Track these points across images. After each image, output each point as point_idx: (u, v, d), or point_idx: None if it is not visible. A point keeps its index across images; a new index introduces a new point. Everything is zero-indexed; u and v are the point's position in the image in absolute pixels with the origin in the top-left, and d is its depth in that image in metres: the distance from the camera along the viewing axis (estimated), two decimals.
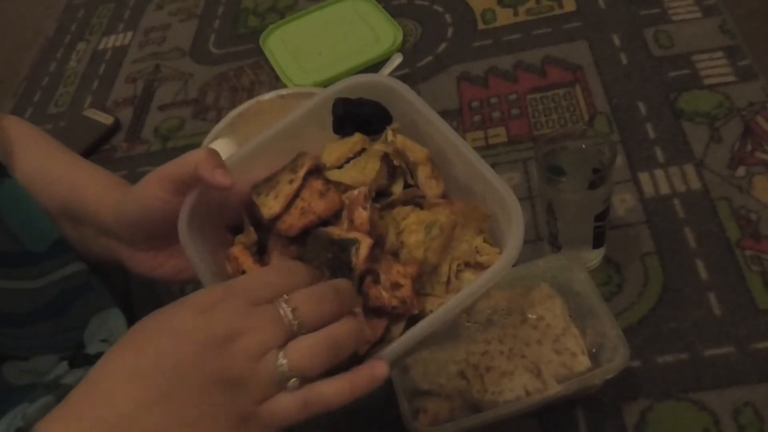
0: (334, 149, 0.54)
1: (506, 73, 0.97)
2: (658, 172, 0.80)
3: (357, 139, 0.54)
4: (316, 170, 0.53)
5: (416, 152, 0.53)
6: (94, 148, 1.05)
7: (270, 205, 0.52)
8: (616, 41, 0.96)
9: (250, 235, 0.53)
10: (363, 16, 1.11)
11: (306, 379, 0.39)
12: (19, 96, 1.20)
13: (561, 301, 0.65)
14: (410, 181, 0.54)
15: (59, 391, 0.52)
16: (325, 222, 0.50)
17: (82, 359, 0.56)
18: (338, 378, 0.40)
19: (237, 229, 0.55)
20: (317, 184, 0.51)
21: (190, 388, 0.38)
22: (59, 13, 1.38)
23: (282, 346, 0.39)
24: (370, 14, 1.11)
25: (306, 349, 0.39)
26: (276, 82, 1.07)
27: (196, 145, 0.92)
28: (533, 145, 0.87)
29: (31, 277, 0.56)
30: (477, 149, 0.87)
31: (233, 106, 0.99)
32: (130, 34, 1.26)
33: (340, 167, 0.53)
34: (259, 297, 0.40)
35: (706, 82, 0.87)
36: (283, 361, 0.39)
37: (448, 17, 1.10)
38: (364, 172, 0.52)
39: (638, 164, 0.81)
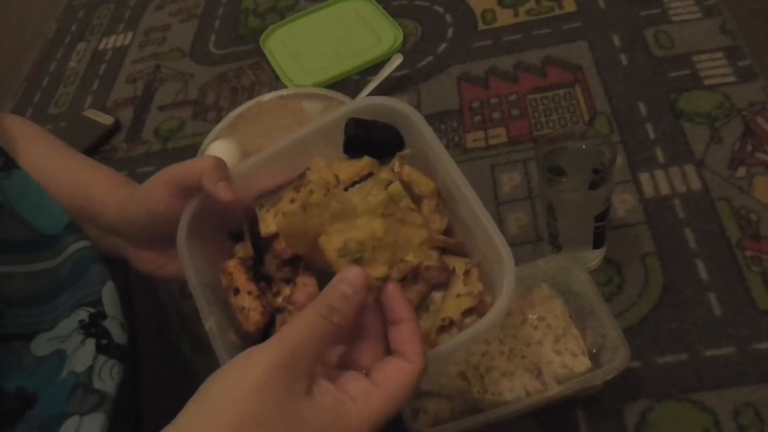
0: (341, 170, 0.52)
1: (506, 74, 0.97)
2: (659, 173, 0.80)
3: (365, 162, 0.52)
4: None
5: (422, 185, 0.51)
6: (95, 148, 1.05)
7: (268, 223, 0.52)
8: (617, 42, 0.96)
9: (248, 248, 0.53)
10: (363, 17, 1.12)
11: None
12: (19, 96, 1.20)
13: (561, 301, 0.65)
14: None
15: (107, 407, 0.50)
16: None
17: (102, 330, 0.54)
18: None
19: (239, 236, 0.55)
20: None
21: None
22: (59, 14, 1.38)
23: None
24: (371, 15, 1.12)
25: None
26: (276, 82, 1.07)
27: (197, 146, 0.92)
28: (533, 146, 0.87)
29: (49, 257, 0.57)
30: (477, 150, 0.88)
31: (233, 106, 0.99)
32: (130, 35, 1.26)
33: (344, 190, 0.51)
34: None
35: (707, 82, 0.87)
36: None
37: (448, 18, 1.10)
38: (367, 198, 0.50)
39: (638, 165, 0.81)
